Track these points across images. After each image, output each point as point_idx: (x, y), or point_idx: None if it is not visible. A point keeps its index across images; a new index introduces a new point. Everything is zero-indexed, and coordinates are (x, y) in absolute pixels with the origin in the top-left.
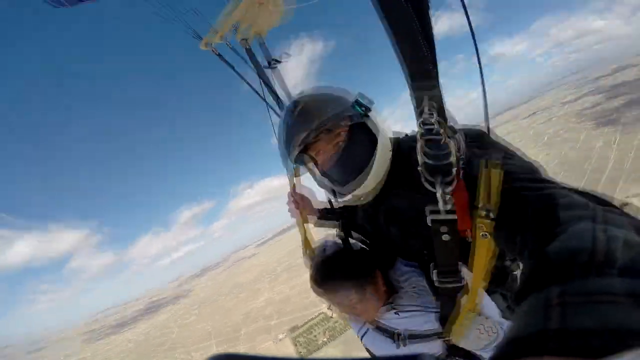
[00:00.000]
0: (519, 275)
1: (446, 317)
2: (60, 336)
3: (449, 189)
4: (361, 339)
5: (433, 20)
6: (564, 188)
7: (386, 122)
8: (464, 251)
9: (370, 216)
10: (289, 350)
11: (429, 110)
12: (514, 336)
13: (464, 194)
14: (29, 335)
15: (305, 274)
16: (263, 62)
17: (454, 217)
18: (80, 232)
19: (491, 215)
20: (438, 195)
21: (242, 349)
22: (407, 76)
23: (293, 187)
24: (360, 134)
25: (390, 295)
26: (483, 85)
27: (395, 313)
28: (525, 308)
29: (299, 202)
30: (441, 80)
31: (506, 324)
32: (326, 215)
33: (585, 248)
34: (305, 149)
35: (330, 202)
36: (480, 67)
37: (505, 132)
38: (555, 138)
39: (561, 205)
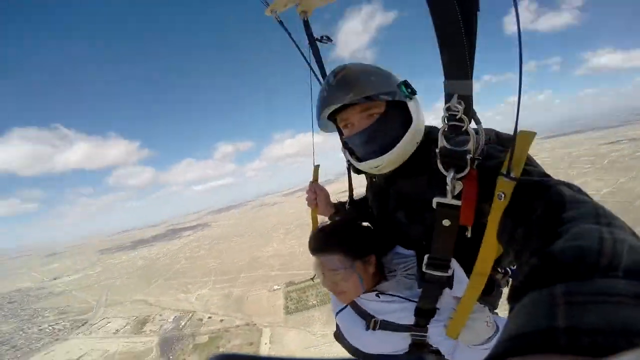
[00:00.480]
0: (505, 290)
1: (424, 311)
2: (78, 247)
3: (460, 174)
4: (335, 315)
5: (479, 23)
6: (577, 190)
7: (423, 113)
8: (460, 246)
9: (380, 199)
10: (279, 302)
11: (457, 100)
12: (518, 332)
13: (474, 183)
14: (52, 242)
15: None
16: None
17: (459, 203)
18: (128, 147)
19: (512, 175)
20: (448, 179)
21: (235, 291)
22: (444, 68)
23: (315, 179)
24: (397, 114)
25: (379, 283)
26: (520, 92)
27: (377, 295)
28: (528, 304)
29: (317, 193)
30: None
31: (500, 319)
32: (340, 209)
33: (591, 248)
34: (336, 114)
35: (349, 198)
36: (520, 73)
37: (574, 153)
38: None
39: (569, 205)
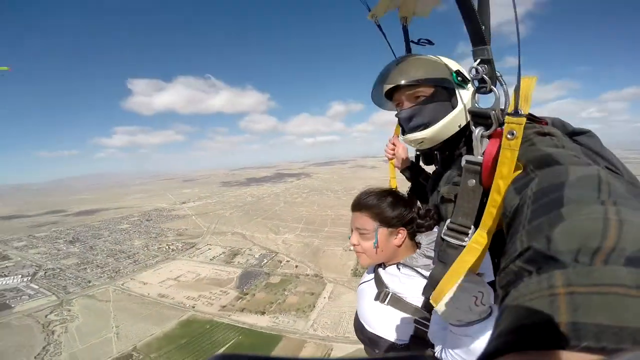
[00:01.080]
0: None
1: (434, 282)
2: (207, 177)
3: (487, 132)
4: (359, 286)
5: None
6: (585, 164)
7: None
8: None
9: (433, 182)
10: (350, 262)
11: (480, 63)
12: (517, 325)
13: (497, 140)
14: (189, 171)
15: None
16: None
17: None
18: (259, 98)
19: (520, 112)
20: (473, 135)
21: (315, 242)
22: (469, 37)
23: (397, 134)
24: (443, 98)
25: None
26: (518, 38)
27: (397, 267)
28: (526, 292)
29: (397, 146)
30: None
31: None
32: (414, 166)
33: (594, 231)
34: (393, 94)
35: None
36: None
37: None
38: None
39: (570, 181)
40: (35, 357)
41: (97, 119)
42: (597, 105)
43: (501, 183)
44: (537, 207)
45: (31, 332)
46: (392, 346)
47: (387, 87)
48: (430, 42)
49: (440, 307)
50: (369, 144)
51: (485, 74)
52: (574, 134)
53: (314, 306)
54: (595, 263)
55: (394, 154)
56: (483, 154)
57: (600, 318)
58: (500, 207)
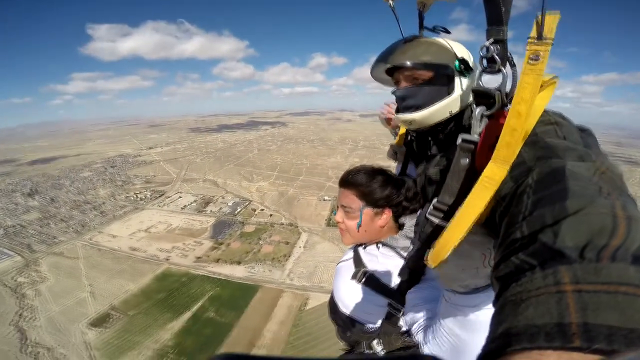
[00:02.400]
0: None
1: (411, 268)
2: (175, 123)
3: (488, 112)
4: (337, 264)
5: None
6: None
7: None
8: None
9: (422, 166)
10: (324, 212)
11: (492, 43)
12: (524, 322)
13: (499, 121)
14: (156, 117)
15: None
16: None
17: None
18: (237, 45)
19: (546, 38)
20: (473, 113)
21: (290, 191)
22: (486, 15)
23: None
24: (440, 84)
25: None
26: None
27: (377, 246)
28: (531, 288)
29: (392, 107)
30: None
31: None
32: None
33: (601, 228)
34: (393, 72)
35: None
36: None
37: None
38: None
39: (573, 173)
40: (9, 324)
41: (51, 64)
42: (574, 85)
43: (521, 108)
44: (539, 198)
45: (0, 297)
46: (363, 329)
47: (387, 66)
48: (446, 31)
49: (440, 269)
50: (348, 98)
51: (496, 54)
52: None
53: (290, 256)
54: (602, 260)
55: (390, 116)
56: (480, 133)
57: (611, 319)
58: (519, 135)
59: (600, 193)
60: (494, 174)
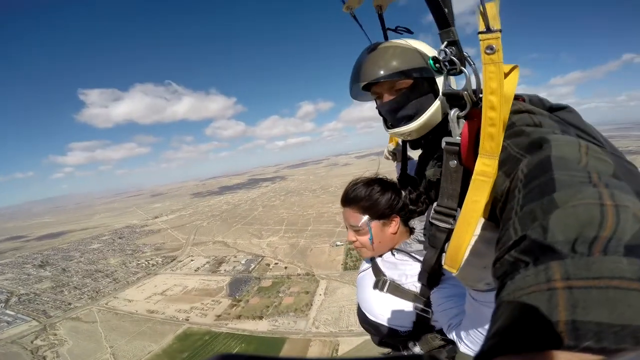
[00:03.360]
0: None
1: (428, 267)
2: (177, 190)
3: (462, 113)
4: (358, 275)
5: None
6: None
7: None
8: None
9: (420, 166)
10: (339, 257)
11: (447, 46)
12: (513, 324)
13: (474, 121)
14: (157, 185)
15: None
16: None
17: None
18: (225, 102)
19: (493, 29)
20: (450, 117)
21: (301, 242)
22: (435, 21)
23: None
24: (424, 88)
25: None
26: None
27: (392, 254)
28: (522, 286)
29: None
30: None
31: None
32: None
33: (591, 219)
34: (370, 86)
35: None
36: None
37: None
38: None
39: (557, 161)
40: None
41: (49, 135)
42: (547, 90)
43: (493, 98)
44: (528, 192)
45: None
46: (395, 333)
47: (362, 84)
48: (408, 31)
49: (460, 272)
50: (341, 142)
51: (453, 56)
52: (552, 110)
53: (312, 304)
54: (594, 253)
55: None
56: (460, 134)
57: (601, 316)
58: (499, 125)
59: (589, 180)
60: (486, 168)
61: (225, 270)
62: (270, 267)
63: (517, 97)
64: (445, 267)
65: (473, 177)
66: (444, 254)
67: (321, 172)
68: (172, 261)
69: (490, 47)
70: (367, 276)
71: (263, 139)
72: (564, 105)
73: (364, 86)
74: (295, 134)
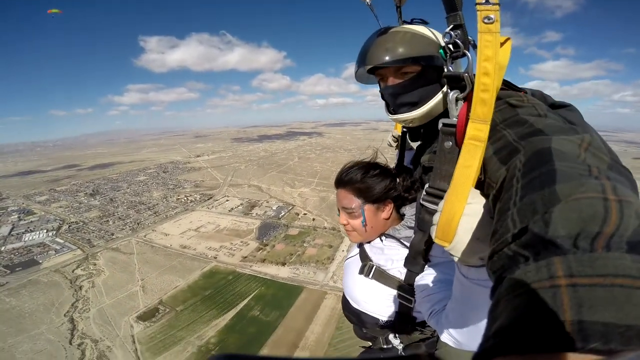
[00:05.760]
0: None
1: (415, 256)
2: (219, 134)
3: (462, 95)
4: (344, 261)
5: None
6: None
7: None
8: None
9: (417, 155)
10: None
11: (452, 29)
12: (517, 321)
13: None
14: (201, 128)
15: None
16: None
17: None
18: (275, 56)
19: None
20: (448, 97)
21: (331, 197)
22: (445, 9)
23: None
24: (431, 76)
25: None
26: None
27: (380, 239)
28: (524, 282)
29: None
30: None
31: None
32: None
33: (593, 214)
34: (376, 69)
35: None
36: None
37: None
38: None
39: (559, 152)
40: (64, 315)
41: (109, 77)
42: (634, 89)
43: (487, 65)
44: (527, 182)
45: (59, 288)
46: (378, 324)
47: (369, 67)
48: (424, 22)
49: (454, 245)
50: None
51: (458, 39)
52: (554, 107)
53: (333, 259)
54: (597, 249)
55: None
56: (458, 115)
57: (607, 316)
58: (491, 91)
59: (590, 173)
60: (478, 132)
61: (256, 213)
62: (299, 216)
63: (519, 90)
64: (436, 240)
65: (465, 141)
66: (433, 227)
67: (359, 135)
68: (208, 199)
69: (488, 17)
70: (353, 261)
71: (305, 95)
72: (567, 103)
73: (369, 69)
74: (338, 93)
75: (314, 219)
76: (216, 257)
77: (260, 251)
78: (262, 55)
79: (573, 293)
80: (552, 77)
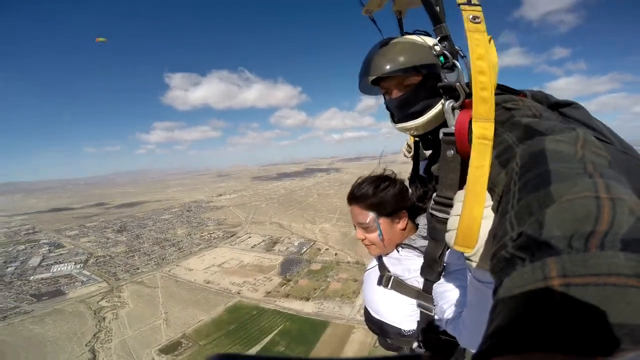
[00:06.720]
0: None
1: (430, 264)
2: (239, 172)
3: (457, 104)
4: (364, 273)
5: None
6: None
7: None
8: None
9: (428, 164)
10: None
11: (440, 40)
12: (512, 322)
13: (467, 110)
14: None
15: None
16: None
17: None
18: (291, 92)
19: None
20: (445, 108)
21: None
22: (431, 22)
23: None
24: (432, 85)
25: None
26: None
27: (396, 250)
28: (519, 284)
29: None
30: None
31: None
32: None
33: (586, 214)
34: (379, 81)
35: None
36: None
37: None
38: None
39: (553, 152)
40: (86, 345)
41: (137, 114)
42: None
43: (481, 63)
44: (523, 184)
45: (83, 319)
46: (400, 333)
47: (371, 78)
48: (426, 34)
49: (477, 250)
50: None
51: (445, 50)
52: (558, 106)
53: (358, 293)
54: (590, 248)
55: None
56: (455, 124)
57: (601, 317)
58: (489, 89)
59: (585, 172)
60: (484, 131)
61: (279, 250)
62: (321, 252)
63: (517, 93)
64: (456, 247)
65: (474, 141)
66: (449, 232)
67: (377, 168)
68: (231, 236)
69: (475, 17)
70: (372, 273)
71: (321, 130)
72: (571, 101)
73: (373, 80)
74: (352, 127)
75: (336, 254)
76: (240, 292)
77: (284, 286)
78: (278, 91)
79: (567, 294)
80: (567, 94)
